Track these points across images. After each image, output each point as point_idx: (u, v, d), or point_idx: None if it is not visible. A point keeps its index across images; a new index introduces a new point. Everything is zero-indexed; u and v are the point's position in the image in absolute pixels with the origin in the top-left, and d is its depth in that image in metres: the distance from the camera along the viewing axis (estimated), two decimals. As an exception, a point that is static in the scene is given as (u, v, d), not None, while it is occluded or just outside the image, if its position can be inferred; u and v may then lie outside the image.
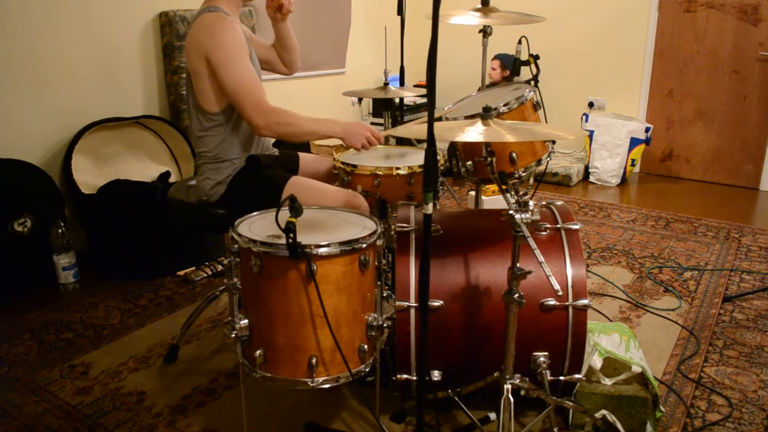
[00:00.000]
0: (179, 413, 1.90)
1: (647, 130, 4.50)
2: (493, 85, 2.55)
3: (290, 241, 1.42)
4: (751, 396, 1.99)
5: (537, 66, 2.23)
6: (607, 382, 1.81)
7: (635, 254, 3.19)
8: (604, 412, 1.75)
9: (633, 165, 4.60)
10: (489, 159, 1.83)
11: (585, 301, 1.71)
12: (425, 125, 1.43)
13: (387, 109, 3.03)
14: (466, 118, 1.93)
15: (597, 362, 1.81)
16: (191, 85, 1.96)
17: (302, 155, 2.32)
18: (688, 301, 2.66)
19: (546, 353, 1.72)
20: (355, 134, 1.94)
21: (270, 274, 1.51)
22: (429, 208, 1.42)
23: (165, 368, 2.16)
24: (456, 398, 1.76)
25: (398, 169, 2.09)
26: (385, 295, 1.72)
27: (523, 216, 1.47)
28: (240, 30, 1.92)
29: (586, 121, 4.65)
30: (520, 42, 2.31)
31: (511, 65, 4.58)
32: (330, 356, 1.55)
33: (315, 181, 2.06)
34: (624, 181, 4.63)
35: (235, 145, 2.02)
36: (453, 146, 2.19)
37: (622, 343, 1.89)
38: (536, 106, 2.16)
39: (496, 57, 4.71)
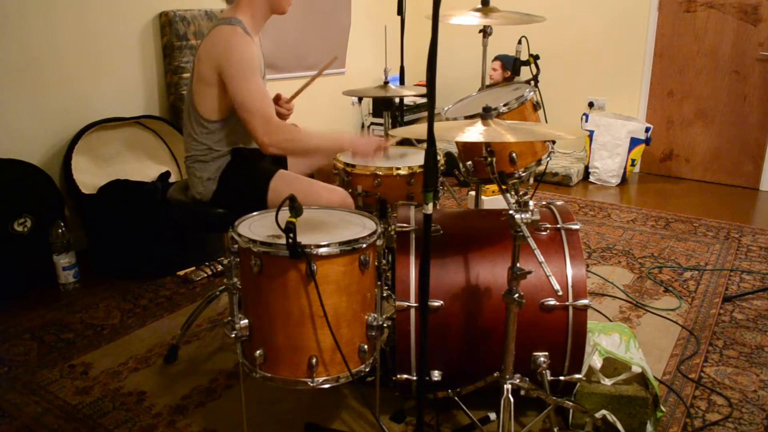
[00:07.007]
0: (179, 413, 1.90)
1: (647, 130, 4.50)
2: (493, 85, 2.56)
3: (290, 241, 1.42)
4: (751, 396, 1.99)
5: (537, 66, 2.23)
6: (607, 382, 1.81)
7: (635, 254, 3.19)
8: (604, 412, 1.74)
9: (633, 165, 4.60)
10: (489, 159, 1.83)
11: (585, 301, 1.71)
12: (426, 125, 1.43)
13: (387, 109, 3.04)
14: (466, 118, 1.93)
15: (597, 362, 1.81)
16: (192, 87, 1.97)
17: None
18: (688, 301, 2.66)
19: (546, 353, 1.72)
20: (364, 143, 1.97)
21: (270, 274, 1.51)
22: (429, 208, 1.42)
23: (165, 368, 2.16)
24: (456, 398, 1.76)
25: (398, 169, 2.09)
26: (385, 295, 1.72)
27: (523, 216, 1.47)
28: (254, 48, 1.93)
29: (586, 121, 4.65)
30: (520, 42, 2.32)
31: (511, 66, 4.55)
32: (330, 356, 1.55)
33: (301, 176, 2.07)
34: (624, 181, 4.63)
35: (222, 147, 2.03)
36: (452, 157, 2.19)
37: (622, 343, 1.89)
38: (536, 106, 2.16)
39: (497, 58, 4.67)
